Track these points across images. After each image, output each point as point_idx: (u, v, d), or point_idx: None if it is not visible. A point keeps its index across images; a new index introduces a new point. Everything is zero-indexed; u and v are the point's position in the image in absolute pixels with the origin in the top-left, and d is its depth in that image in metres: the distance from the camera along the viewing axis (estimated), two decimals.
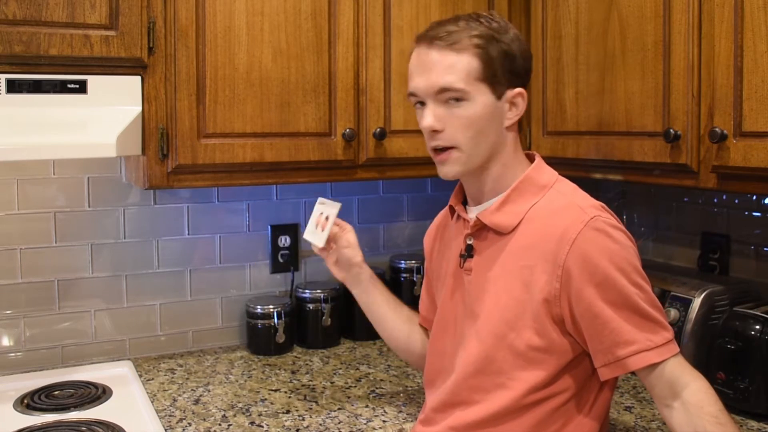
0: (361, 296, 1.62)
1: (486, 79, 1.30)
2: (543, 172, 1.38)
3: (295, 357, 2.11)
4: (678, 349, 1.24)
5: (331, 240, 1.57)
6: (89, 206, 2.03)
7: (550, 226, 1.28)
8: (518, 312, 1.29)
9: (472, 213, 1.40)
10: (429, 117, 1.31)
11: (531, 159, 1.41)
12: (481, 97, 1.30)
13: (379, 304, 1.62)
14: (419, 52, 1.33)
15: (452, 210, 1.47)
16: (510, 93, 1.32)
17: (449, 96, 1.29)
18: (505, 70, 1.31)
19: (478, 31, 1.30)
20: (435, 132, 1.32)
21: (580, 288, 1.23)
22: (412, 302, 2.48)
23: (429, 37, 1.31)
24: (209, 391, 1.84)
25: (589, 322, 1.24)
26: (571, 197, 1.32)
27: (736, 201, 1.98)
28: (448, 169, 1.34)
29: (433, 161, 1.37)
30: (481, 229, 1.37)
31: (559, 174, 1.40)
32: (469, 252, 1.39)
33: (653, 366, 1.22)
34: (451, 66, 1.29)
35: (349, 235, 1.58)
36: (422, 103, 1.34)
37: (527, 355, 1.28)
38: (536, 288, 1.27)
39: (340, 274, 1.60)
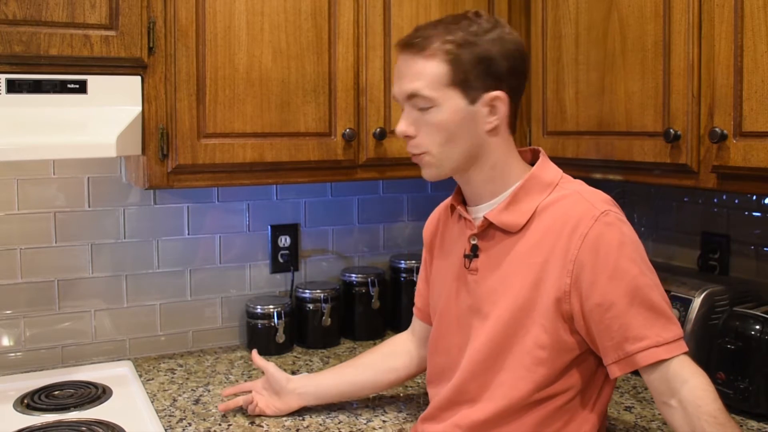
0: (318, 392, 1.68)
1: (456, 84, 1.29)
2: (548, 169, 1.38)
3: (295, 357, 2.10)
4: (686, 348, 1.23)
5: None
6: (89, 206, 2.02)
7: (560, 222, 1.28)
8: (527, 310, 1.29)
9: (474, 213, 1.40)
10: (401, 123, 1.35)
11: (535, 154, 1.42)
12: (451, 103, 1.30)
13: (337, 384, 1.68)
14: (398, 57, 1.36)
15: (453, 209, 1.47)
16: (486, 96, 1.31)
17: (418, 102, 1.31)
18: (479, 73, 1.29)
19: (453, 36, 1.29)
20: (407, 137, 1.35)
21: (591, 281, 1.23)
22: (412, 303, 2.46)
23: (402, 43, 1.34)
24: (209, 391, 1.83)
25: (600, 317, 1.23)
26: (579, 193, 1.32)
27: (736, 201, 1.98)
28: (424, 173, 1.38)
29: None
30: (487, 228, 1.37)
31: None
32: (474, 252, 1.38)
33: (659, 363, 1.21)
34: (418, 73, 1.30)
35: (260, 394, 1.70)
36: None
37: (534, 352, 1.28)
38: (546, 285, 1.27)
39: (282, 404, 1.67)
